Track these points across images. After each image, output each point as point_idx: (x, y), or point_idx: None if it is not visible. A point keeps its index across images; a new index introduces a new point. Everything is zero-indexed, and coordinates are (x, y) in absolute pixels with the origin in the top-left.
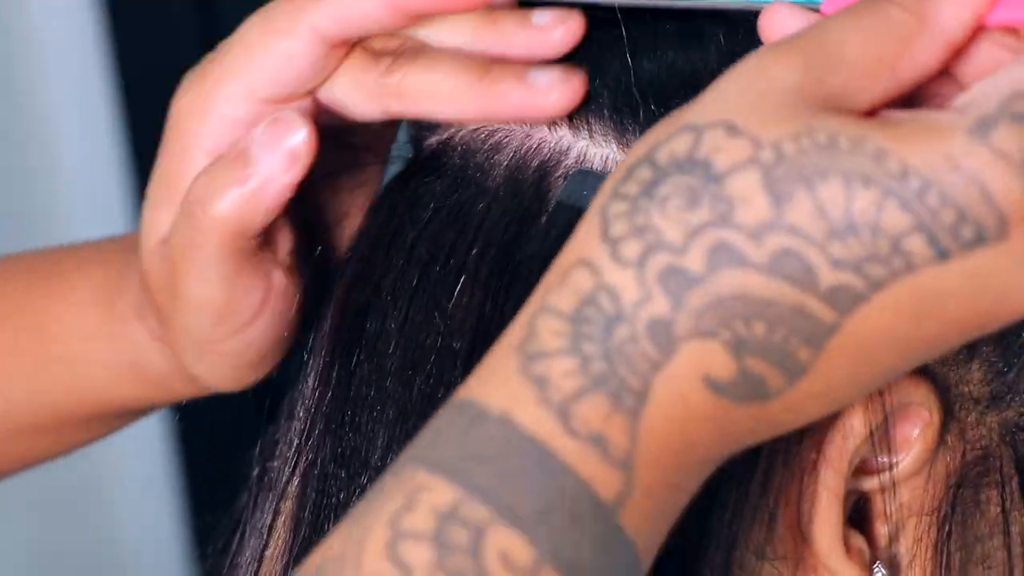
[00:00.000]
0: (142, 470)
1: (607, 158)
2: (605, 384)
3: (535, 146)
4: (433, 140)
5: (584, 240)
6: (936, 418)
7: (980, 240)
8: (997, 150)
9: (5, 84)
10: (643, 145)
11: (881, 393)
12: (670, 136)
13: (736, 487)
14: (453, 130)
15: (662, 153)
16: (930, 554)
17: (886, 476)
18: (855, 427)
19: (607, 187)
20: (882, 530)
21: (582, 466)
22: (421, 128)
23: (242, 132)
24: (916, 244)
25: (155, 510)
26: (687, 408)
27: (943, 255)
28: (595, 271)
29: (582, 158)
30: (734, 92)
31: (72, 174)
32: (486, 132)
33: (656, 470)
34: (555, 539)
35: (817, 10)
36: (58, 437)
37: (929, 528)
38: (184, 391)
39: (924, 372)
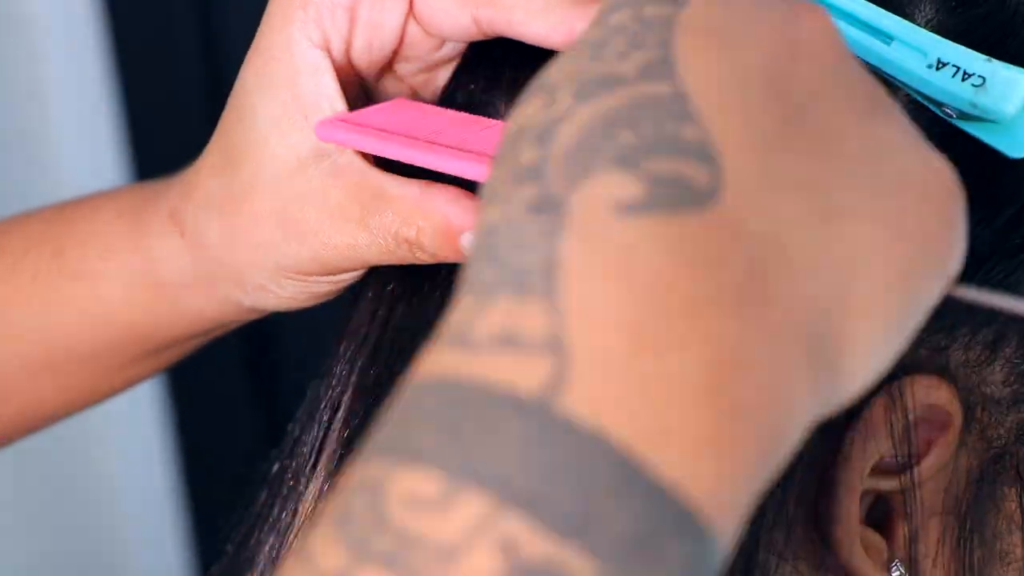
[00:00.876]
0: (142, 470)
1: None
2: (506, 283)
3: None
4: None
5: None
6: (958, 420)
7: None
8: None
9: (5, 84)
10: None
11: (903, 394)
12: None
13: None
14: None
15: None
16: (950, 552)
17: (906, 476)
18: (876, 427)
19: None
20: (901, 529)
21: (493, 373)
22: None
23: (343, 20)
24: None
25: (155, 510)
26: (614, 250)
27: None
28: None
29: None
30: None
31: (72, 174)
32: None
33: (606, 333)
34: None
35: None
36: (66, 380)
37: (949, 527)
38: (195, 301)
39: (947, 374)
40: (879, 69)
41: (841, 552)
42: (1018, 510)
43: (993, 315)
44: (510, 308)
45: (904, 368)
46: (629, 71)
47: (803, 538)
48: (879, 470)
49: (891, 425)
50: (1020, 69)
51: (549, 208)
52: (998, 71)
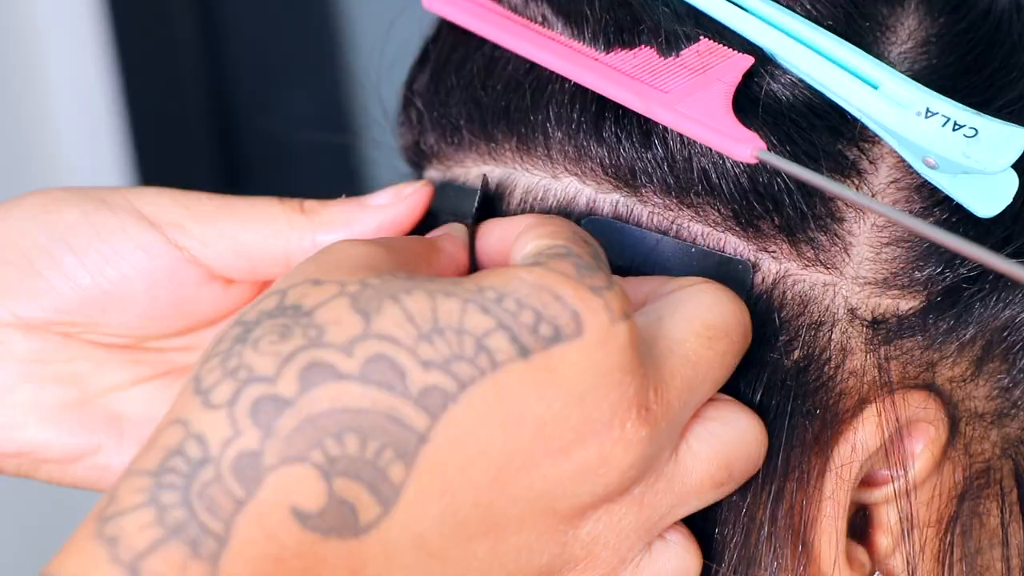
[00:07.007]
0: None
1: (617, 203)
2: (183, 532)
3: (546, 187)
4: (434, 174)
5: (178, 401)
6: (943, 435)
7: (557, 337)
8: (553, 268)
9: (6, 83)
10: (231, 319)
11: (893, 409)
12: (257, 301)
13: (746, 505)
14: (460, 172)
15: (250, 313)
16: (932, 565)
17: (890, 489)
18: (866, 440)
19: (200, 358)
20: (883, 541)
21: None
22: (420, 155)
23: None
24: (498, 341)
25: None
26: (273, 546)
27: (524, 352)
28: (185, 424)
29: (591, 204)
30: (312, 261)
31: (73, 175)
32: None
33: None
34: None
35: None
36: None
37: (931, 539)
38: None
39: (934, 390)
40: (864, 116)
41: (825, 564)
42: (999, 526)
43: (979, 332)
44: (180, 562)
45: (894, 384)
46: (416, 383)
47: (787, 549)
48: (864, 483)
49: (881, 439)
50: (1013, 125)
51: (251, 471)
52: (991, 124)
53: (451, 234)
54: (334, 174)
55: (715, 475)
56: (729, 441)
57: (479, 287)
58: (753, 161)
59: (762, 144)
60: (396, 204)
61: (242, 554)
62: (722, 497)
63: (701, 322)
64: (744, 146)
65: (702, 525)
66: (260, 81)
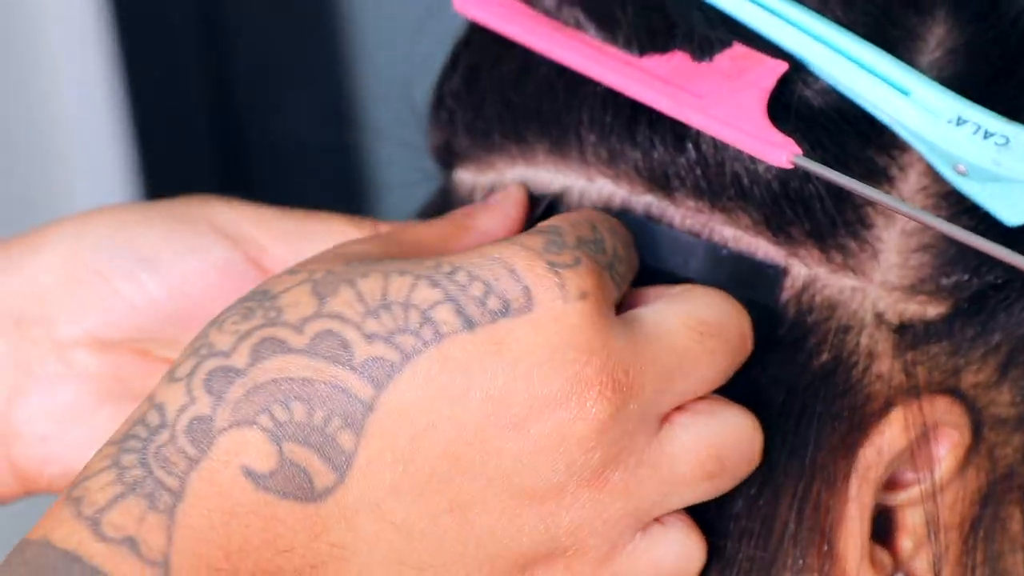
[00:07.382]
0: None
1: (649, 205)
2: (140, 488)
3: (580, 189)
4: (465, 176)
5: (155, 385)
6: (967, 439)
7: (506, 311)
8: (521, 243)
9: (8, 86)
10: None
11: (921, 413)
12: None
13: (771, 502)
14: (493, 176)
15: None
16: (954, 568)
17: (914, 491)
18: (891, 443)
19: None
20: (906, 544)
21: (114, 568)
22: (452, 155)
23: None
24: (444, 314)
25: None
26: (227, 502)
27: (470, 324)
28: (151, 399)
29: (625, 206)
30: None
31: (77, 176)
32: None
33: (200, 570)
34: None
35: None
36: None
37: (953, 543)
38: None
39: (959, 395)
40: (894, 123)
41: (849, 566)
42: (1021, 531)
43: (1004, 339)
44: (138, 515)
45: (921, 389)
46: (361, 354)
47: (810, 551)
48: (887, 485)
49: (906, 442)
50: None
51: (203, 433)
52: (1022, 132)
53: (491, 204)
54: (338, 175)
55: (705, 465)
56: (719, 433)
57: (437, 262)
58: (789, 166)
59: (798, 149)
60: (501, 221)
61: (196, 507)
62: (720, 491)
63: (695, 317)
64: (780, 151)
65: (716, 522)
66: (264, 81)
